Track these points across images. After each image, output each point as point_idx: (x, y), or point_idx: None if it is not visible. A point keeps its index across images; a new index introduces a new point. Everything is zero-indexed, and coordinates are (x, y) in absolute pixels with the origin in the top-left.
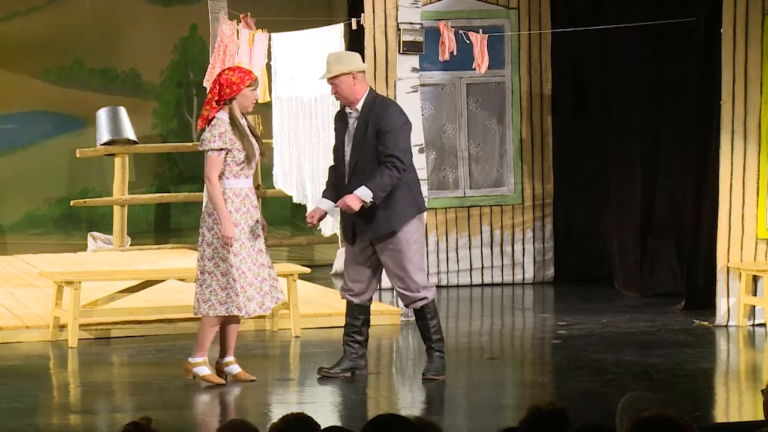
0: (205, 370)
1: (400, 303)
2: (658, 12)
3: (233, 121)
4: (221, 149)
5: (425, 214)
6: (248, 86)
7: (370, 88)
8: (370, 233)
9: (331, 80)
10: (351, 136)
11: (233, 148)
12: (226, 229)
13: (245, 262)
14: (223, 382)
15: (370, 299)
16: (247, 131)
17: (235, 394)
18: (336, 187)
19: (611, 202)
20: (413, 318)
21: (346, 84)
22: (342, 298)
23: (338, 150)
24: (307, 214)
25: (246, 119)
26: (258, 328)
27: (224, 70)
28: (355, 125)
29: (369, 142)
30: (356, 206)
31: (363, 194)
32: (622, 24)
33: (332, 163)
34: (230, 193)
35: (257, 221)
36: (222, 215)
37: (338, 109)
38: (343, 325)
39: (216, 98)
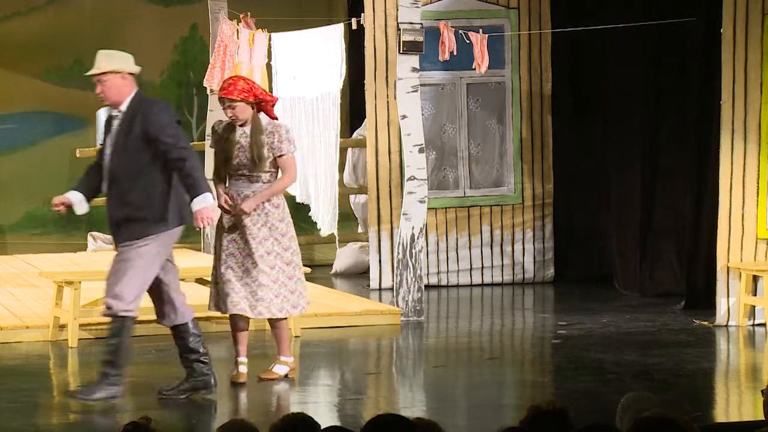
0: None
1: (402, 303)
2: (657, 12)
3: (229, 125)
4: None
5: (181, 229)
6: (219, 99)
7: (139, 90)
8: (127, 235)
9: (99, 77)
10: (112, 139)
11: (217, 150)
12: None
13: (224, 262)
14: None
15: (181, 319)
16: (236, 136)
17: (236, 394)
18: (91, 185)
19: (611, 201)
20: (414, 318)
21: (113, 83)
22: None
23: (102, 152)
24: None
25: (254, 124)
26: (258, 329)
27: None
28: (117, 127)
29: (132, 145)
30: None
31: (207, 200)
32: (621, 24)
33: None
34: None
35: (235, 224)
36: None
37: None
38: (342, 325)
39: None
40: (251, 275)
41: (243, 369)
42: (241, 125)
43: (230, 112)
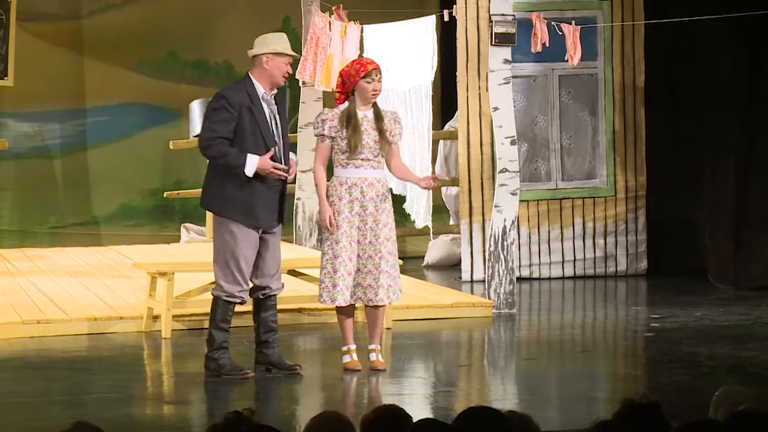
0: (345, 358)
1: (492, 296)
2: (752, 3)
3: (348, 112)
4: (322, 136)
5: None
6: (363, 77)
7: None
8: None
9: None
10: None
11: (336, 137)
12: (322, 213)
13: (345, 250)
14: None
15: None
16: (362, 123)
17: (327, 386)
18: None
19: (705, 194)
20: (505, 310)
21: None
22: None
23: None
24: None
25: (375, 110)
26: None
27: (348, 63)
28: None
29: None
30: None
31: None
32: (716, 15)
33: None
34: (336, 182)
35: (369, 212)
36: (318, 200)
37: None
38: (434, 317)
39: (339, 89)
40: (374, 261)
41: (356, 356)
42: (362, 109)
43: (379, 85)
